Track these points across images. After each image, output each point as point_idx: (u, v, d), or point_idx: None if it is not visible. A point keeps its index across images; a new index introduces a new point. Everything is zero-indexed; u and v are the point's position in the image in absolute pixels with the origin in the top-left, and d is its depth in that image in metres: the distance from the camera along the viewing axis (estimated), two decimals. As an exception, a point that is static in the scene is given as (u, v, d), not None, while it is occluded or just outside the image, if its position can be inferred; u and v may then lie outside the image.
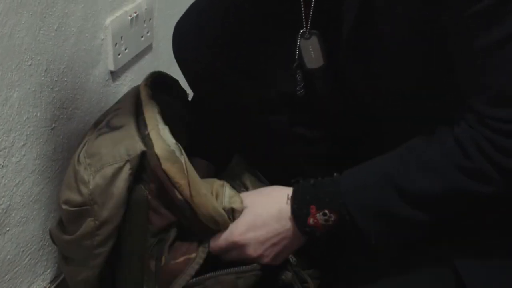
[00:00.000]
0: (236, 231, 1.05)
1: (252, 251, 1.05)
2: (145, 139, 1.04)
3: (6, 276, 1.17)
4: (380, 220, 0.99)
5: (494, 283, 1.01)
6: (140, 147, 1.03)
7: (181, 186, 1.02)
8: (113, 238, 1.06)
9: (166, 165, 1.02)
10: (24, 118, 1.14)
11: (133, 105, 1.12)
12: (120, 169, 1.03)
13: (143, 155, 1.03)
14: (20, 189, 1.16)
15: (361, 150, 1.11)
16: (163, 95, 1.15)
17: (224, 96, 1.16)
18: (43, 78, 1.18)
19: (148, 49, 1.56)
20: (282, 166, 1.19)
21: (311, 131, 1.17)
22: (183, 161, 1.02)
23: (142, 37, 1.49)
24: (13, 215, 1.15)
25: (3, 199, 1.13)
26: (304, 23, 1.05)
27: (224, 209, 1.05)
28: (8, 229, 1.15)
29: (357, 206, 0.99)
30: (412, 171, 0.97)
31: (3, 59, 1.07)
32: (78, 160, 1.07)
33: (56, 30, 1.19)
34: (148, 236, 1.06)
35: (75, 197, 1.05)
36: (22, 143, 1.15)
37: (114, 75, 1.42)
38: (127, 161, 1.03)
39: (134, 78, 1.49)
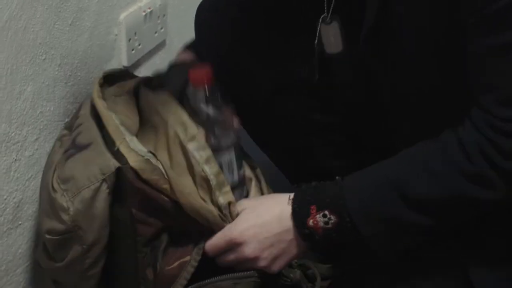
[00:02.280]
0: (236, 229, 1.03)
1: (250, 251, 1.03)
2: (117, 154, 1.03)
3: (18, 270, 1.17)
4: (381, 224, 0.98)
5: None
6: (114, 164, 1.02)
7: (166, 190, 1.01)
8: (103, 258, 1.06)
9: (145, 175, 1.01)
10: (38, 112, 1.15)
11: (94, 118, 1.10)
12: (97, 190, 1.02)
13: (118, 171, 1.02)
14: (32, 183, 1.16)
15: (370, 143, 1.10)
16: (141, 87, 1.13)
17: (239, 80, 1.15)
18: (57, 73, 1.18)
19: (162, 45, 1.56)
20: (293, 151, 1.19)
21: (325, 116, 1.17)
22: (161, 166, 1.01)
23: (155, 33, 1.49)
24: (25, 209, 1.15)
25: (15, 193, 1.13)
26: (325, 8, 1.04)
27: (220, 206, 1.03)
28: (20, 223, 1.15)
29: (357, 208, 0.98)
30: (414, 175, 0.96)
31: (17, 52, 1.07)
32: (53, 188, 1.06)
33: (70, 25, 1.19)
34: (140, 247, 1.06)
35: (57, 226, 1.04)
36: (35, 137, 1.15)
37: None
38: (103, 180, 1.02)
39: (147, 74, 1.48)
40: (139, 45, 1.42)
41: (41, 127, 1.16)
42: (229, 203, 1.03)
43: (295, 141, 1.20)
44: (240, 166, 1.10)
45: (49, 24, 1.14)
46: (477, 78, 0.93)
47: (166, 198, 1.02)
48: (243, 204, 1.06)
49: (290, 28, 1.09)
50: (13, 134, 1.10)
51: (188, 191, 1.01)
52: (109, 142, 1.06)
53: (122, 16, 1.35)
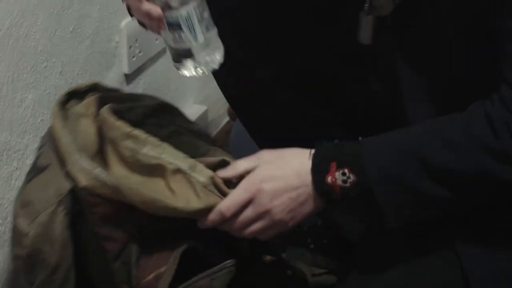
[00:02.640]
0: (256, 179, 1.02)
1: (268, 200, 1.01)
2: (68, 175, 1.03)
3: (18, 279, 1.17)
4: (396, 188, 0.97)
5: (496, 271, 1.00)
6: (67, 185, 1.03)
7: (125, 197, 1.01)
8: (71, 278, 1.05)
9: (100, 191, 1.01)
10: (39, 120, 1.14)
11: (52, 138, 1.09)
12: (54, 212, 1.03)
13: (73, 190, 1.02)
14: (33, 192, 1.16)
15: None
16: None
17: (238, 76, 1.15)
18: (58, 80, 1.17)
19: (162, 52, 1.55)
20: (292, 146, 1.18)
21: (325, 113, 1.16)
22: (113, 180, 1.00)
23: (156, 40, 1.49)
24: (26, 217, 1.15)
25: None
26: None
27: (206, 186, 1.01)
28: (21, 231, 1.14)
29: (376, 169, 0.98)
30: (438, 145, 0.95)
31: (18, 60, 1.07)
32: (16, 213, 1.07)
33: (71, 32, 1.19)
34: (110, 263, 1.05)
35: (20, 251, 1.05)
36: (36, 145, 1.14)
37: (128, 78, 1.41)
38: (59, 202, 1.03)
39: (148, 81, 1.48)
40: (140, 52, 1.42)
41: (42, 135, 1.15)
42: (211, 178, 1.01)
43: (294, 138, 1.20)
44: (205, 26, 0.99)
45: (50, 31, 1.13)
46: (509, 56, 0.92)
47: (125, 207, 1.01)
48: (263, 156, 1.05)
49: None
50: (14, 142, 1.09)
51: (145, 199, 1.00)
52: (63, 163, 1.05)
53: (123, 23, 1.35)
